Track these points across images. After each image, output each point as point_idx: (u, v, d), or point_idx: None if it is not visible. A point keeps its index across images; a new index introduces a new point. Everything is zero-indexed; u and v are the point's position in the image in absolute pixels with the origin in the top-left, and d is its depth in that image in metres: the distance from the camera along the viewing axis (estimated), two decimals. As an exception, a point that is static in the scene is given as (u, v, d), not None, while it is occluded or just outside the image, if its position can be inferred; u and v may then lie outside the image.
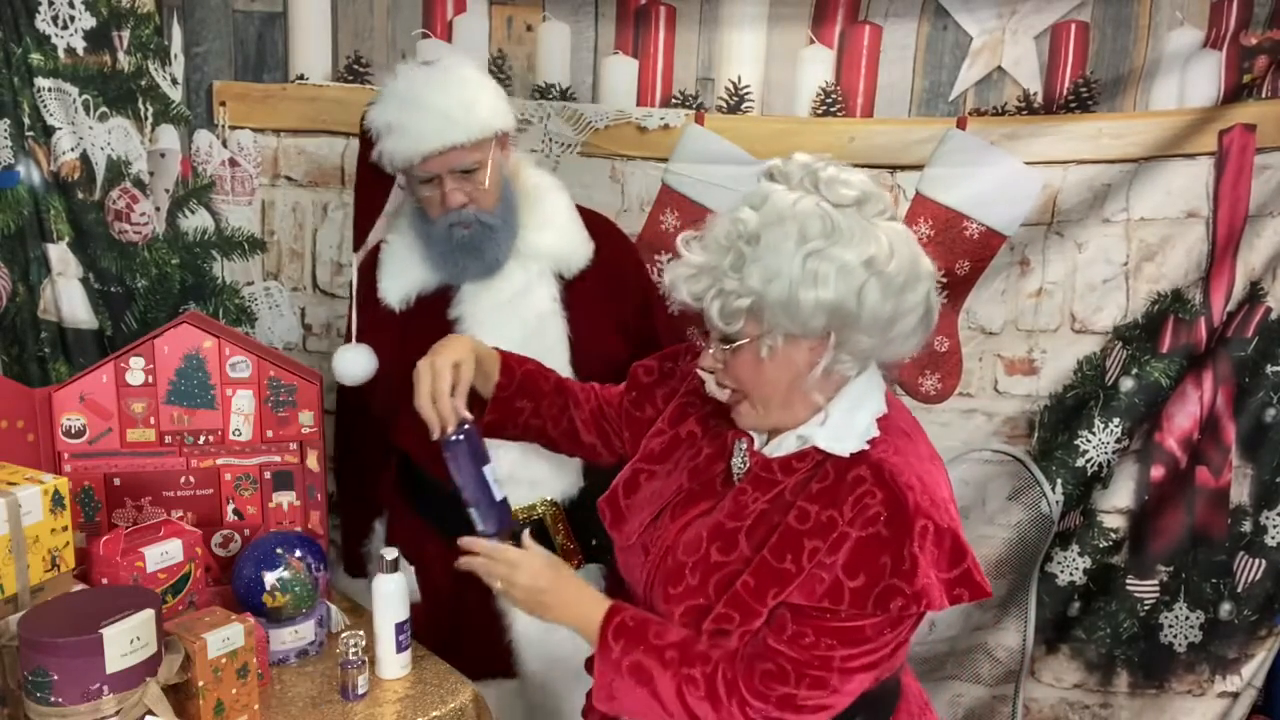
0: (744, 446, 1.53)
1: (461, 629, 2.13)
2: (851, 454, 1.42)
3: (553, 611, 1.55)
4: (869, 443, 1.43)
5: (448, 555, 2.09)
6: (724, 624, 1.43)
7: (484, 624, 2.11)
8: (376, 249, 2.15)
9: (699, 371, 1.55)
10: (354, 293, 2.13)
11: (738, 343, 1.42)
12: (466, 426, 1.63)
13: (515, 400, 1.80)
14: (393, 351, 2.05)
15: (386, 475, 2.24)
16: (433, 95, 1.94)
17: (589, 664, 1.53)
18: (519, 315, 2.02)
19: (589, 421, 1.83)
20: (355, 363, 2.05)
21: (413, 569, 2.16)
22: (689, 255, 1.42)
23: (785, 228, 1.36)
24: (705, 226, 1.44)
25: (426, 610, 2.16)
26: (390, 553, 1.80)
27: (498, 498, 1.59)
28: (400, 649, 1.79)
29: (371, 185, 2.10)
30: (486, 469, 1.59)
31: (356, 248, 2.13)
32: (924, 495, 1.38)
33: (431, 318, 2.03)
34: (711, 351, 1.46)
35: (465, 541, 1.59)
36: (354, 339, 2.07)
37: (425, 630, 2.17)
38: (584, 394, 1.85)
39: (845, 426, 1.44)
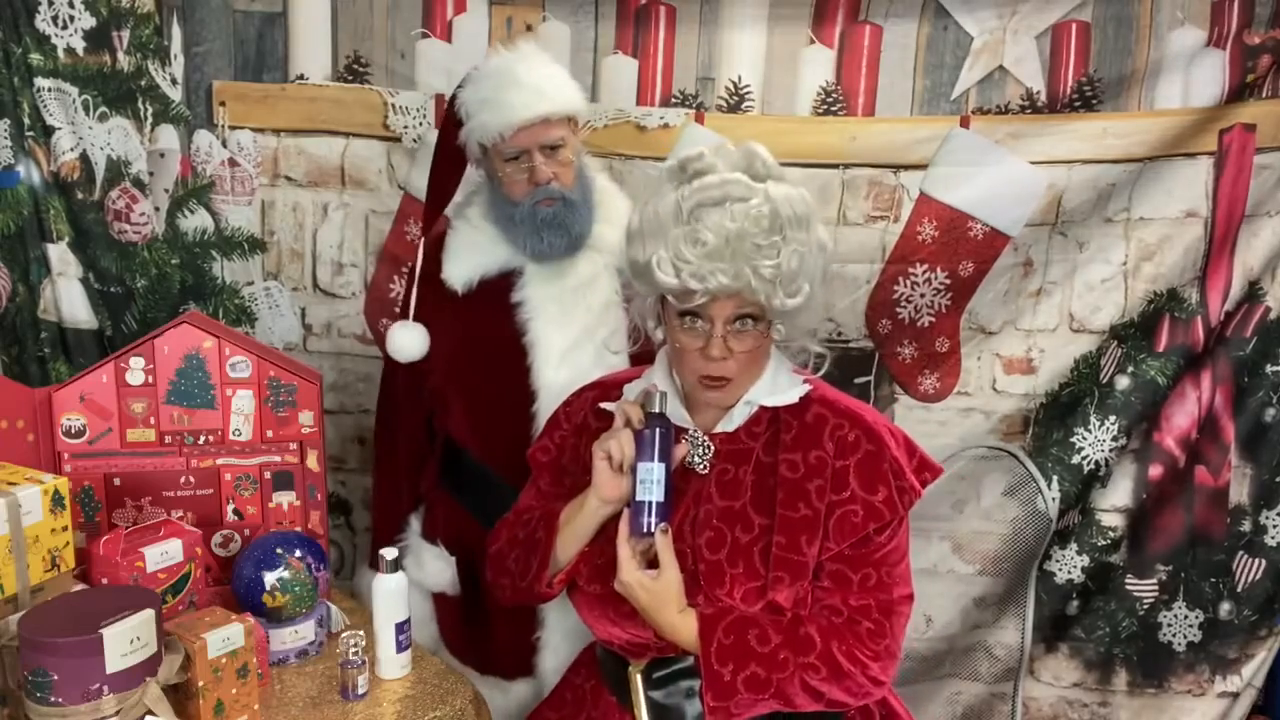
0: (699, 437, 1.61)
1: (493, 623, 2.15)
2: (800, 399, 1.59)
3: (655, 628, 1.56)
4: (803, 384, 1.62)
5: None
6: (779, 587, 1.52)
7: (515, 619, 2.13)
8: (441, 234, 2.18)
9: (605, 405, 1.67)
10: (417, 270, 2.16)
11: (757, 325, 1.52)
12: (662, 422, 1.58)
13: None
14: (453, 335, 2.11)
15: (428, 467, 2.25)
16: (525, 72, 2.03)
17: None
18: (584, 302, 2.07)
19: None
20: (411, 340, 2.10)
21: (453, 559, 2.18)
22: (730, 225, 1.46)
23: (797, 210, 1.49)
24: (713, 220, 1.47)
25: (461, 602, 2.18)
26: (390, 553, 1.81)
27: (639, 497, 1.54)
28: (400, 649, 1.79)
29: (447, 169, 2.14)
30: (643, 465, 1.53)
31: (426, 230, 2.19)
32: (869, 411, 1.63)
33: (494, 301, 2.08)
34: (747, 335, 1.52)
35: (621, 532, 1.56)
36: (412, 317, 2.13)
37: (456, 622, 2.20)
38: None
39: (777, 383, 1.61)
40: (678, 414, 1.62)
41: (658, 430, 1.54)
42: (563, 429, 1.75)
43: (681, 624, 1.54)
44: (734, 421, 1.61)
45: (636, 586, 1.53)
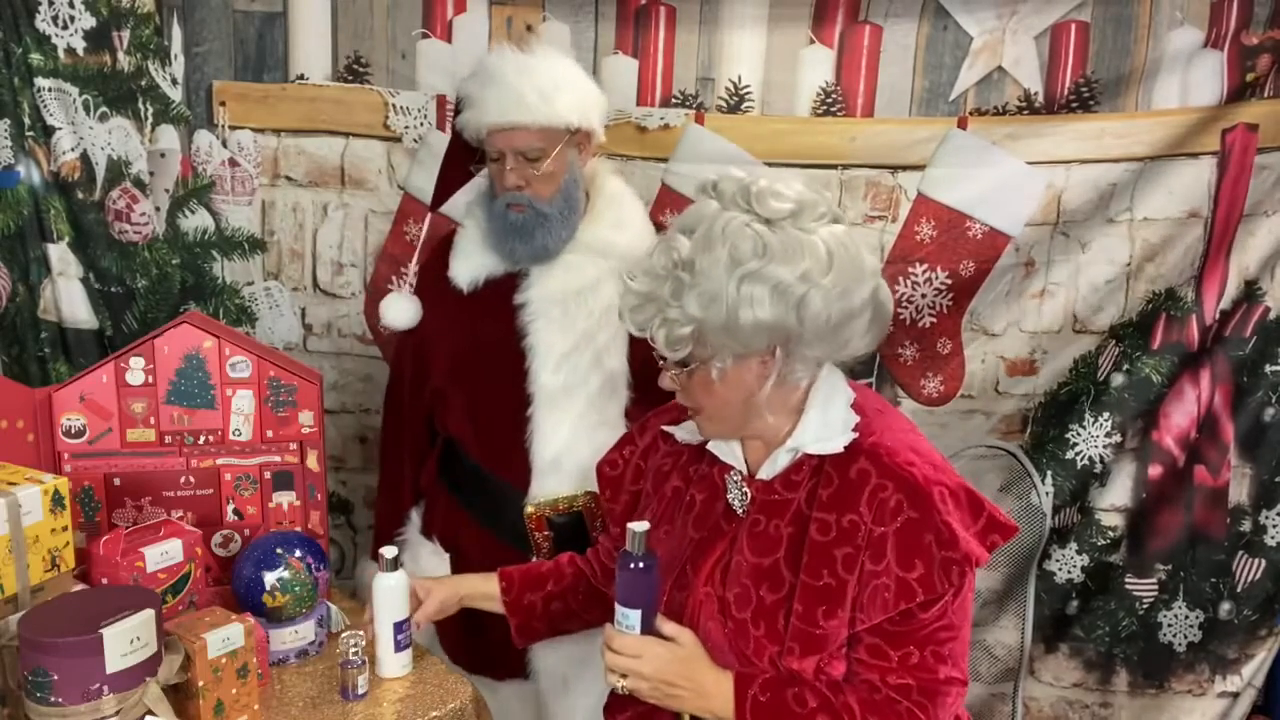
0: (738, 479, 1.53)
1: (486, 624, 2.15)
2: (846, 447, 1.44)
3: (685, 704, 1.47)
4: (854, 429, 1.45)
5: (484, 543, 2.13)
6: (790, 659, 1.42)
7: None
8: (451, 233, 2.20)
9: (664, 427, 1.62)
10: (417, 252, 2.22)
11: (690, 366, 1.44)
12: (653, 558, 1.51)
13: (522, 597, 1.83)
14: (456, 333, 2.12)
15: (429, 463, 2.26)
16: (513, 75, 2.00)
17: None
18: (586, 305, 2.07)
19: (602, 573, 1.83)
20: (401, 309, 2.14)
21: (449, 556, 2.18)
22: (632, 284, 1.44)
23: (716, 253, 1.37)
24: (645, 254, 1.45)
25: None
26: (390, 551, 1.81)
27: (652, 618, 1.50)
28: (399, 648, 1.79)
29: (455, 154, 2.15)
30: (620, 609, 1.49)
31: (435, 207, 2.23)
32: (925, 465, 1.42)
33: (497, 301, 2.09)
34: (671, 374, 1.47)
35: (607, 632, 1.49)
36: (411, 289, 2.19)
37: (452, 621, 2.20)
38: (585, 557, 1.87)
39: (826, 425, 1.46)
40: (728, 451, 1.55)
41: (631, 569, 1.46)
42: (634, 445, 1.72)
43: (715, 684, 1.45)
44: (774, 468, 1.49)
45: (661, 659, 1.45)
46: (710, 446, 1.56)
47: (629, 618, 1.46)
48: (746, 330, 1.37)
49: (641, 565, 1.45)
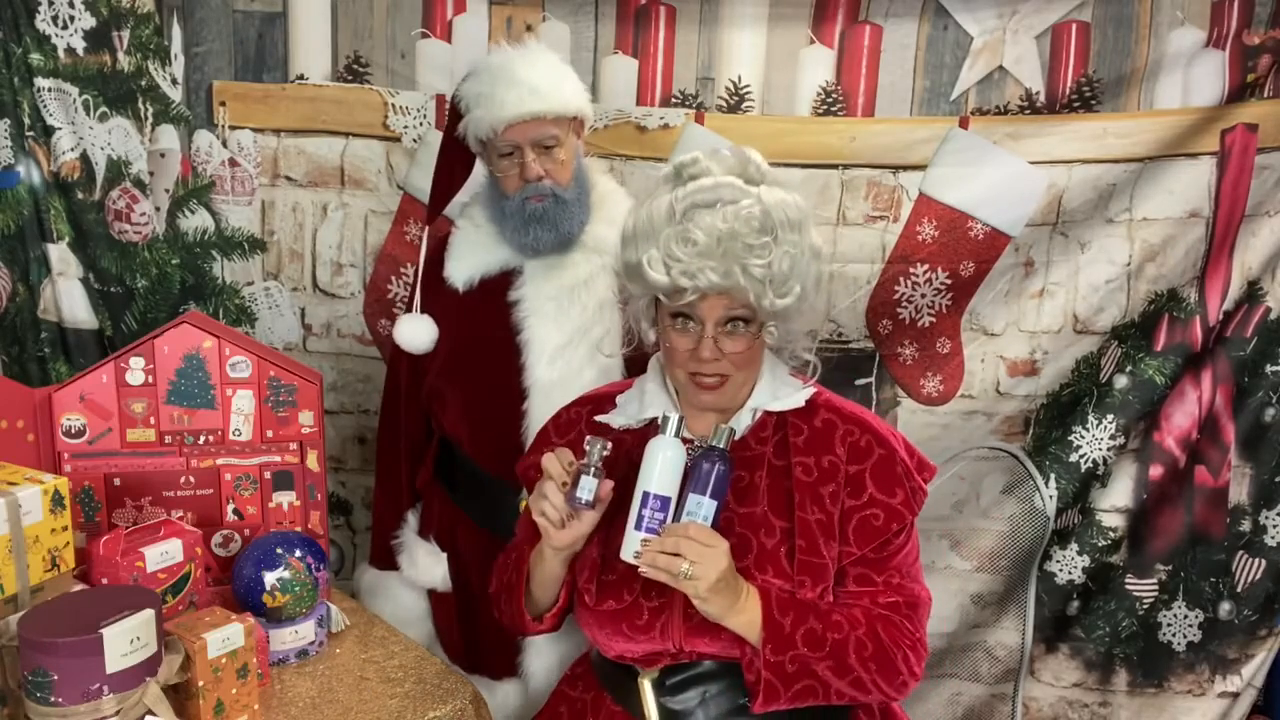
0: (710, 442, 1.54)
1: (483, 624, 2.15)
2: (806, 402, 1.61)
3: (726, 603, 1.47)
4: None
5: (480, 542, 2.13)
6: (802, 591, 1.52)
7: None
8: (445, 234, 2.21)
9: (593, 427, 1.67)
10: (420, 264, 2.21)
11: (747, 327, 1.53)
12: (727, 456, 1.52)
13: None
14: (452, 332, 2.13)
15: (425, 463, 2.26)
16: (522, 69, 2.03)
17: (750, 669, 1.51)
18: (580, 301, 2.08)
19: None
20: (418, 331, 2.13)
21: (445, 555, 2.18)
22: (708, 242, 1.47)
23: (805, 237, 1.52)
24: (705, 220, 1.48)
25: (455, 601, 2.21)
26: (674, 413, 1.54)
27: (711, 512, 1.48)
28: (641, 524, 1.48)
29: (452, 161, 2.15)
30: (693, 497, 1.46)
31: (430, 220, 2.23)
32: (872, 415, 1.65)
33: (493, 299, 2.10)
34: (715, 341, 1.52)
35: (676, 523, 1.47)
36: (416, 310, 2.16)
37: (450, 620, 2.21)
38: None
39: (779, 386, 1.62)
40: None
41: (717, 466, 1.48)
42: (552, 443, 1.70)
43: (746, 591, 1.50)
44: (740, 429, 1.60)
45: (728, 555, 1.45)
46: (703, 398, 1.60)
47: (704, 507, 1.48)
48: (810, 306, 1.56)
49: (723, 464, 1.49)
